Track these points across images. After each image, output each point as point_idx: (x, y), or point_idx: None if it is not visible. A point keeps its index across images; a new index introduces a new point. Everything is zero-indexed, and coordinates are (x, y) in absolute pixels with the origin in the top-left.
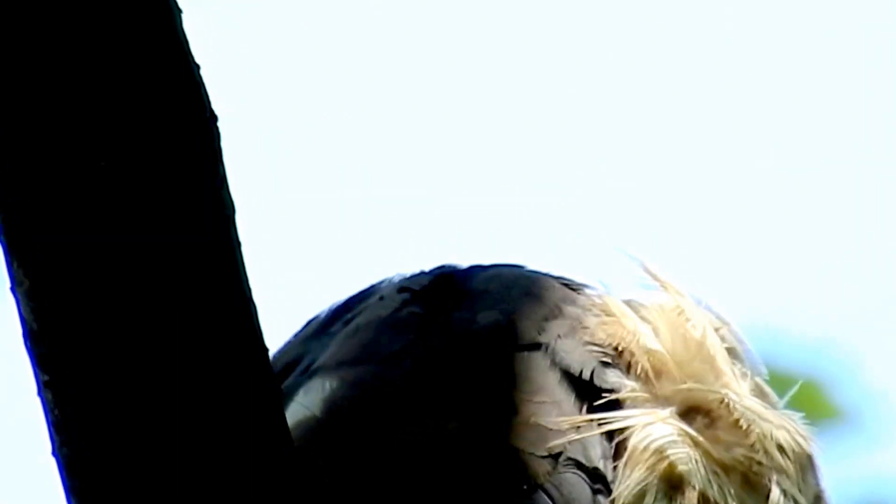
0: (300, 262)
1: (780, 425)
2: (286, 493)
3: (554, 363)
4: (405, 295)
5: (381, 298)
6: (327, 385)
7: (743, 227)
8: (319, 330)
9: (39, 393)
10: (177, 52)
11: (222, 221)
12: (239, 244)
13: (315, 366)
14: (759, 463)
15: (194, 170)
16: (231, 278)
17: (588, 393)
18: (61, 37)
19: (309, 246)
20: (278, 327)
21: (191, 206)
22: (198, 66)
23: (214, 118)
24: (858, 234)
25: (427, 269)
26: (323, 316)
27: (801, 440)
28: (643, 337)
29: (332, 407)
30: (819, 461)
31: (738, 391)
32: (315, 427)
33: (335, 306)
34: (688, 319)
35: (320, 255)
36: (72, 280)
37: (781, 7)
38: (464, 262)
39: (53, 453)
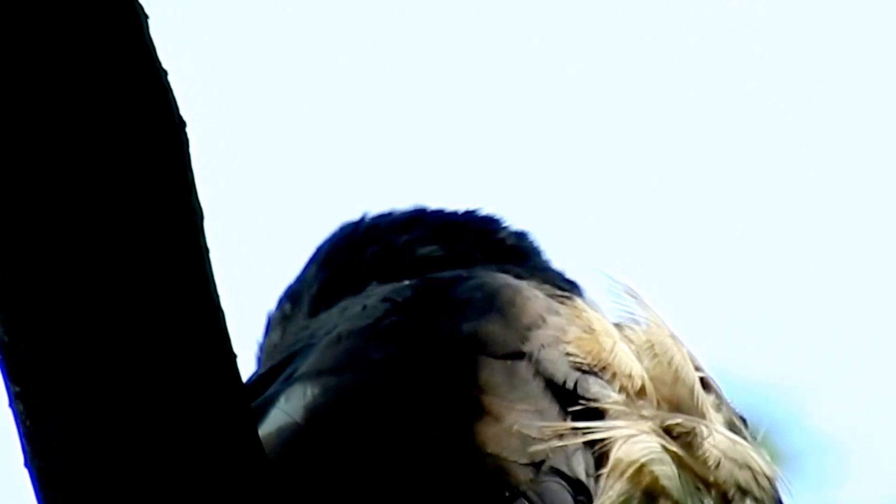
0: (269, 268)
1: (744, 464)
2: (256, 497)
3: (537, 372)
4: (387, 305)
5: (364, 308)
6: (309, 392)
7: (691, 269)
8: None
9: (11, 404)
10: (144, 58)
11: (191, 228)
12: (207, 251)
13: (298, 373)
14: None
15: (162, 176)
16: (199, 285)
17: (571, 402)
18: (27, 43)
19: (278, 252)
20: (247, 333)
21: (159, 212)
22: (165, 72)
23: (183, 124)
24: (807, 279)
25: (411, 281)
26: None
27: (763, 480)
28: (622, 356)
29: (314, 413)
30: (784, 499)
31: (712, 423)
32: (296, 433)
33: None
34: (668, 344)
35: (290, 261)
36: (39, 289)
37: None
38: (448, 273)
39: (25, 465)
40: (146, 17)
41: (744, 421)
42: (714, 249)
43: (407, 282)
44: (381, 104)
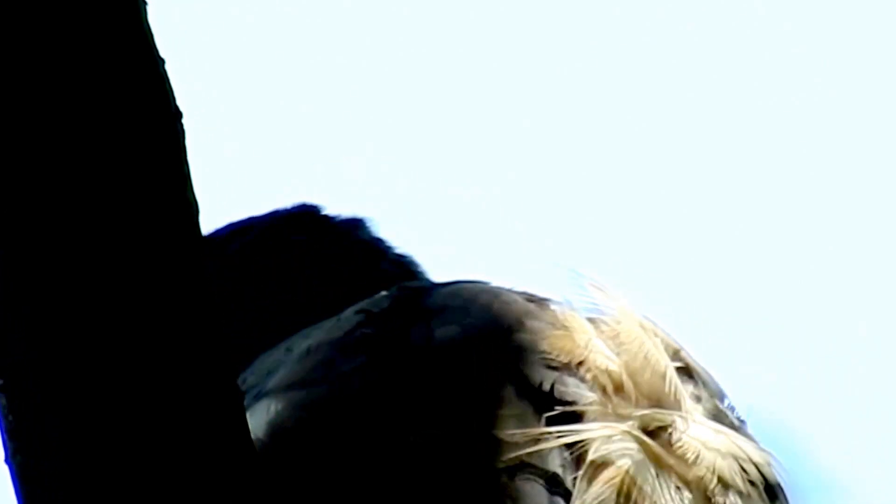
0: None
1: (728, 453)
2: (248, 496)
3: (514, 375)
4: (360, 317)
5: (339, 320)
6: (272, 408)
7: (699, 304)
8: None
9: None
10: (141, 45)
11: (186, 221)
12: (203, 245)
13: (265, 389)
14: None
15: (156, 168)
16: (194, 279)
17: (548, 405)
18: (21, 27)
19: None
20: None
21: (153, 205)
22: (163, 61)
23: (179, 115)
24: (809, 318)
25: (387, 292)
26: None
27: (750, 467)
28: (598, 352)
29: (277, 430)
30: (783, 486)
31: (690, 416)
32: (260, 451)
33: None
34: (639, 335)
35: None
36: (27, 280)
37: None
38: (425, 282)
39: (7, 461)
40: (145, 2)
41: (731, 409)
42: (719, 283)
43: (384, 293)
44: (377, 99)
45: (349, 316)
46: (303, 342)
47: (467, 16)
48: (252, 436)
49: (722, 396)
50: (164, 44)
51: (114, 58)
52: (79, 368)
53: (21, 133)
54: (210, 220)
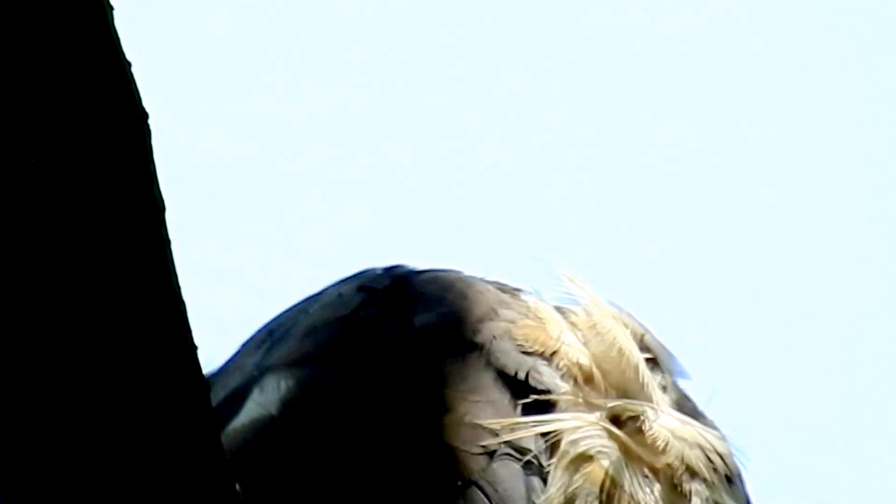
0: (231, 259)
1: (694, 443)
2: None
3: (489, 363)
4: (364, 295)
5: (340, 296)
6: (283, 384)
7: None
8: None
9: None
10: (108, 49)
11: (152, 219)
12: (168, 242)
13: (270, 362)
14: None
15: (123, 167)
16: (160, 277)
17: (522, 393)
18: None
19: (239, 244)
20: (209, 325)
21: (120, 204)
22: (129, 64)
23: (145, 116)
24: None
25: (384, 267)
26: (258, 334)
27: (715, 457)
28: (569, 344)
29: (288, 406)
30: (741, 475)
31: (659, 406)
32: (272, 426)
33: (269, 323)
34: (610, 325)
35: (251, 253)
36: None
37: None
38: (415, 265)
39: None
40: (111, 7)
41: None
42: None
43: (380, 269)
44: (350, 97)
45: (352, 294)
46: (306, 318)
47: (447, 10)
48: (263, 411)
49: (681, 377)
50: (130, 46)
51: (80, 61)
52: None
53: None
54: (176, 218)
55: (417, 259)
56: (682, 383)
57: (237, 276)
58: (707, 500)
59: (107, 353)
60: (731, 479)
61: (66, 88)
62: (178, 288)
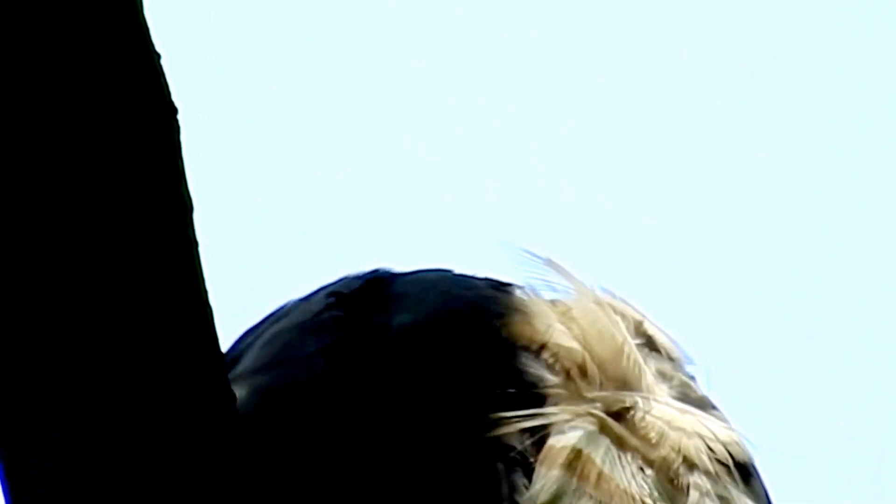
0: (259, 261)
1: (694, 433)
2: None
3: (474, 359)
4: (331, 299)
5: (307, 301)
6: (238, 393)
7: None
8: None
9: None
10: (136, 38)
11: (179, 219)
12: (196, 243)
13: (235, 374)
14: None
15: (150, 164)
16: (187, 278)
17: (508, 388)
18: (18, 24)
19: (267, 246)
20: (235, 328)
21: (146, 202)
22: (158, 56)
23: (174, 111)
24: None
25: (360, 273)
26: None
27: (717, 446)
28: (559, 336)
29: (242, 416)
30: (754, 466)
31: (653, 396)
32: None
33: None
34: (596, 313)
35: (278, 255)
36: (26, 279)
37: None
38: (395, 267)
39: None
40: None
41: (693, 379)
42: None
43: (355, 274)
44: (376, 99)
45: (320, 299)
46: (270, 327)
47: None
48: None
49: (686, 364)
50: (161, 39)
51: (109, 52)
52: (78, 368)
53: (15, 129)
54: (204, 219)
55: (408, 259)
56: (688, 370)
57: (271, 279)
58: (708, 493)
59: (136, 356)
60: (741, 471)
61: (93, 80)
62: (205, 291)
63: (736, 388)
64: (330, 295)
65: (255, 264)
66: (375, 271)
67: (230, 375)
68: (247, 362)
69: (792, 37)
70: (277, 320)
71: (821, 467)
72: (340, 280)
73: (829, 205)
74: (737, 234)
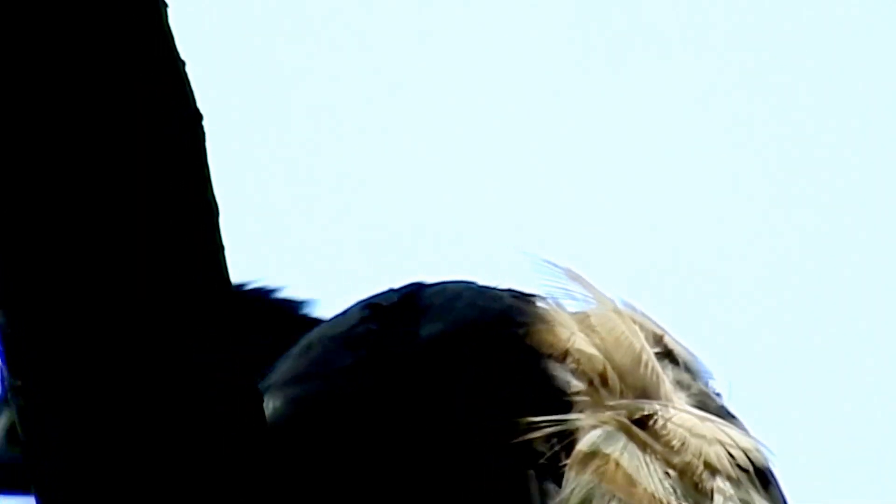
0: (285, 265)
1: (714, 439)
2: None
3: (500, 367)
4: (366, 312)
5: (344, 315)
6: (271, 404)
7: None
8: None
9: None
10: (161, 46)
11: (205, 224)
12: (222, 247)
13: (268, 385)
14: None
15: (176, 170)
16: (214, 283)
17: (536, 394)
18: (46, 31)
19: (294, 250)
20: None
21: (173, 208)
22: (183, 63)
23: (199, 117)
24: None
25: (400, 286)
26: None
27: (738, 453)
28: (581, 345)
29: (275, 426)
30: (772, 471)
31: (672, 404)
32: None
33: None
34: (616, 322)
35: (305, 258)
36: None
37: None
38: (430, 279)
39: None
40: (166, 5)
41: (717, 394)
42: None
43: (393, 288)
44: (396, 103)
45: (355, 312)
46: (306, 338)
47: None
48: None
49: (707, 379)
50: (185, 47)
51: (135, 59)
52: (78, 368)
53: (42, 134)
54: (230, 223)
55: (432, 270)
56: (708, 382)
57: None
58: (731, 497)
59: (160, 360)
60: (761, 477)
61: (119, 87)
62: (232, 295)
63: (737, 387)
64: (365, 307)
65: (277, 267)
66: (413, 285)
67: (263, 385)
68: (282, 371)
69: (792, 37)
70: (312, 332)
71: (821, 467)
72: (381, 294)
73: (830, 204)
74: (751, 237)
